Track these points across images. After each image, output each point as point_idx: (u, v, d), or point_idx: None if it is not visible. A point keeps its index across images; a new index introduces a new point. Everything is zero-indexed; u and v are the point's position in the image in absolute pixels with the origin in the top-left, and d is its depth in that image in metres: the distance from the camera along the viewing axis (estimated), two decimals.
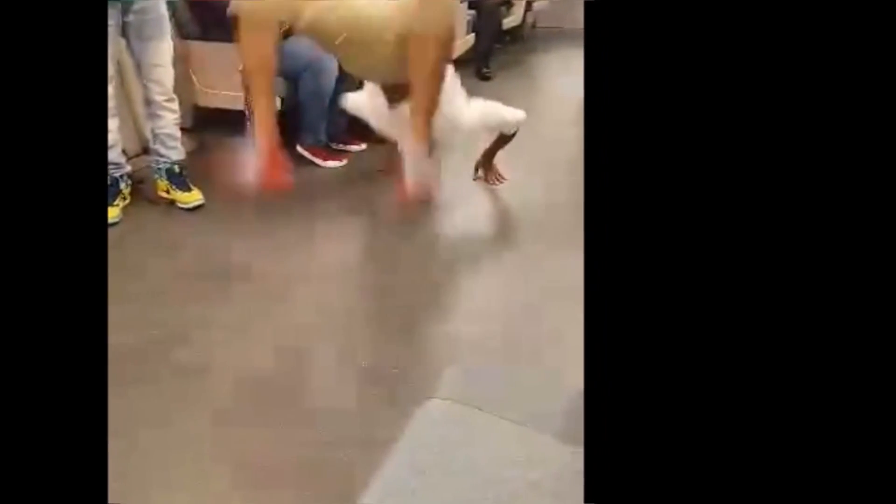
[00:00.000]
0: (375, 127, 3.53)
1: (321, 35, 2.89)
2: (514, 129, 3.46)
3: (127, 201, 3.51)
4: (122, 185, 3.49)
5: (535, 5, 7.81)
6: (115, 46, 3.29)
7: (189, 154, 3.74)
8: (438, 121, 2.99)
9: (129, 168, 3.57)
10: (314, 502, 1.87)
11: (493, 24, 6.34)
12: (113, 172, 3.42)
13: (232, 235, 3.30)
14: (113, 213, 3.38)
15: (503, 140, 3.57)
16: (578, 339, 0.87)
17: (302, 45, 3.60)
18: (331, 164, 4.11)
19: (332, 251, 3.25)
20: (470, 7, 5.91)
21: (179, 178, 3.57)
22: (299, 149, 4.05)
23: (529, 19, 7.89)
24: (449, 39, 2.69)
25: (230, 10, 2.67)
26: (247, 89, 3.07)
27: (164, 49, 3.37)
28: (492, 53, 6.34)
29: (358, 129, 4.05)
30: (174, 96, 3.48)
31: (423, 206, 3.26)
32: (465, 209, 3.64)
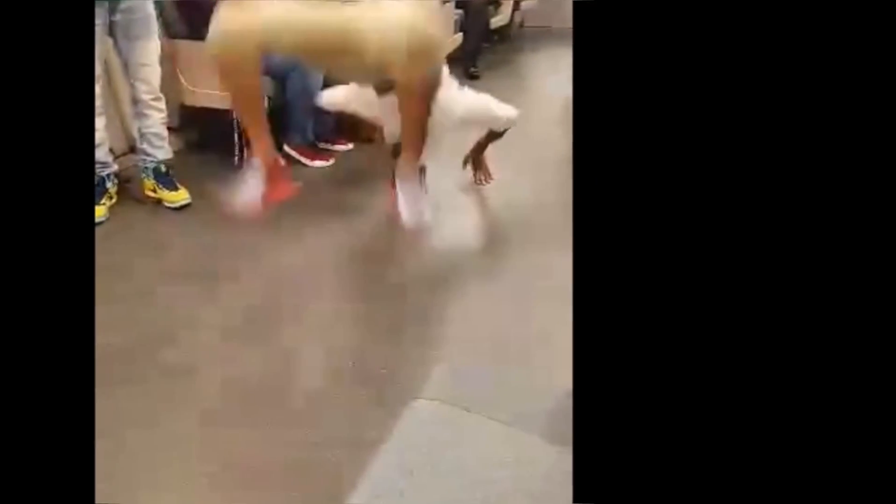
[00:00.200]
0: (365, 115, 3.51)
1: (298, 53, 2.87)
2: (505, 126, 3.45)
3: (114, 200, 3.50)
4: (109, 184, 3.48)
5: (523, 5, 7.80)
6: (103, 46, 3.27)
7: (176, 153, 3.74)
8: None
9: (115, 167, 3.56)
10: (302, 503, 1.86)
11: (480, 23, 6.34)
12: (100, 171, 3.41)
13: (219, 235, 3.29)
14: (100, 212, 3.37)
15: (493, 136, 3.56)
16: (567, 340, 0.87)
17: None
18: (318, 163, 4.11)
19: (320, 251, 3.24)
20: (458, 6, 5.91)
21: (166, 178, 3.56)
22: (286, 148, 4.05)
23: (517, 19, 7.89)
24: (436, 80, 2.62)
25: (206, 48, 2.62)
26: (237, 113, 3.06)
27: (151, 48, 3.36)
28: (480, 53, 6.34)
29: (345, 128, 4.04)
30: (161, 95, 3.47)
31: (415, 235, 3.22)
32: (452, 209, 3.63)
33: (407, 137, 2.88)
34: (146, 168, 3.56)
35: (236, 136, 3.85)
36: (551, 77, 5.99)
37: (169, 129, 3.62)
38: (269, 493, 1.90)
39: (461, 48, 5.87)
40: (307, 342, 2.57)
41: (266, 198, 2.88)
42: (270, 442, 2.04)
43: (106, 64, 3.51)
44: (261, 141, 2.85)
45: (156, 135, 3.51)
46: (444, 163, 3.69)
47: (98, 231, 3.21)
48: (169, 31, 3.95)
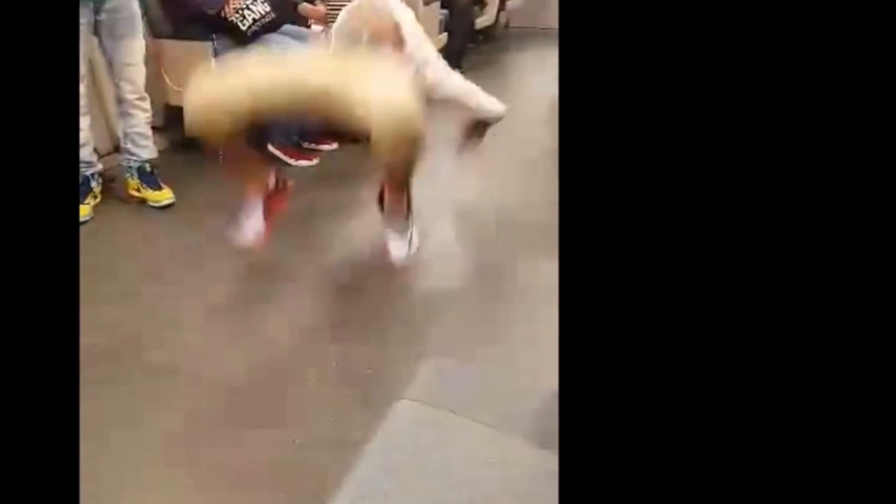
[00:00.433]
0: None
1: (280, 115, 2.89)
2: (492, 118, 3.41)
3: (98, 200, 3.50)
4: (94, 184, 3.48)
5: (509, 5, 7.80)
6: (87, 45, 3.27)
7: (160, 153, 3.73)
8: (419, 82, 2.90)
9: (100, 166, 3.56)
10: (287, 503, 1.86)
11: (465, 23, 6.34)
12: (84, 171, 3.40)
13: (203, 235, 3.28)
14: (84, 211, 3.36)
15: (480, 126, 3.52)
16: (553, 340, 0.87)
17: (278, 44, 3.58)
18: (302, 163, 4.10)
19: (305, 250, 3.24)
20: (442, 6, 5.91)
21: (150, 177, 3.56)
22: (270, 147, 4.03)
23: (503, 19, 7.89)
24: (417, 136, 2.56)
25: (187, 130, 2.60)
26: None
27: (136, 48, 3.35)
28: (465, 53, 6.34)
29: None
30: (146, 95, 3.47)
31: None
32: (437, 209, 3.63)
33: (391, 195, 2.89)
34: (130, 167, 3.55)
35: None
36: (537, 77, 6.00)
37: (153, 128, 3.62)
38: (253, 493, 1.90)
39: (446, 48, 5.86)
40: (292, 342, 2.56)
41: (269, 225, 2.94)
42: (255, 442, 2.04)
43: (91, 63, 3.51)
44: (255, 183, 2.90)
45: (140, 134, 3.50)
46: (429, 160, 3.69)
47: (82, 230, 3.20)
48: (154, 31, 3.94)
